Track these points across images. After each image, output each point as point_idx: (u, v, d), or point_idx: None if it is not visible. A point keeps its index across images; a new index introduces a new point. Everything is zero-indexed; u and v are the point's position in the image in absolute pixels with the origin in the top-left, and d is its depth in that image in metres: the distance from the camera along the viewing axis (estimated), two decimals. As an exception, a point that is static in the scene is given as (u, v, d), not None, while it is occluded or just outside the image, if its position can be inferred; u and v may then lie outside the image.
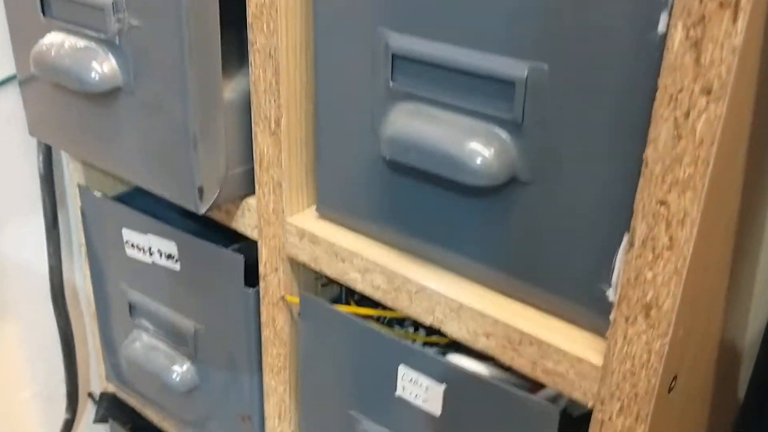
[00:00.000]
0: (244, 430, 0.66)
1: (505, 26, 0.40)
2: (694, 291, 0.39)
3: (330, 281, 0.60)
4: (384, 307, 0.54)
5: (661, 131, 0.35)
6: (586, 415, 0.45)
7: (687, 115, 0.34)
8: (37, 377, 0.82)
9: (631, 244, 0.38)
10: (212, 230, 0.64)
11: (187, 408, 0.71)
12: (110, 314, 0.75)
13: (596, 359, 0.41)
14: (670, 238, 0.37)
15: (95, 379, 0.86)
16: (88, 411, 0.86)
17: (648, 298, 0.38)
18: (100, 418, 0.83)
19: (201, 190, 0.53)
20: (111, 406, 0.83)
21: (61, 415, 0.82)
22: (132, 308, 0.71)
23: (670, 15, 0.34)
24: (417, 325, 0.59)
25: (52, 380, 0.82)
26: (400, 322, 0.59)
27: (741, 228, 0.45)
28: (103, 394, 0.83)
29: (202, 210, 0.54)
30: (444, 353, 0.51)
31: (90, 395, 0.86)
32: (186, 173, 0.53)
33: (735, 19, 0.32)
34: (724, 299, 0.47)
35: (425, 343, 0.57)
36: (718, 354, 0.50)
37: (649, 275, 0.38)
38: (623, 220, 0.39)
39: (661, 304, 0.38)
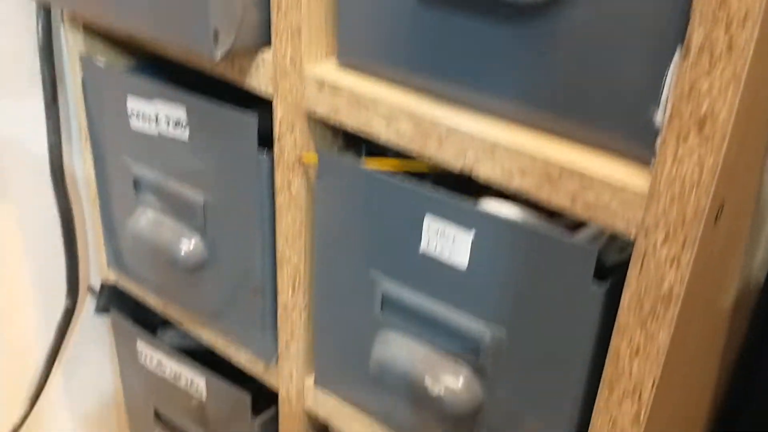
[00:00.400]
0: (254, 305, 0.64)
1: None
2: (751, 101, 0.37)
3: (348, 144, 0.57)
4: (406, 162, 0.52)
5: None
6: (619, 266, 0.44)
7: None
8: (37, 262, 0.79)
9: (687, 50, 0.36)
10: (222, 90, 0.61)
11: (195, 287, 0.69)
12: (112, 194, 0.72)
13: (641, 186, 0.40)
14: (730, 40, 0.34)
15: (95, 273, 0.84)
16: (88, 303, 0.84)
17: (703, 110, 0.36)
18: (101, 308, 0.82)
19: (216, 33, 0.50)
20: (112, 297, 0.81)
21: (60, 304, 0.80)
22: (137, 184, 0.68)
23: None
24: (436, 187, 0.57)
25: (51, 267, 0.80)
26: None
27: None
28: (103, 285, 0.81)
29: (218, 55, 0.51)
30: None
31: (90, 288, 0.84)
32: (201, 15, 0.50)
33: None
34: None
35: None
36: (758, 189, 0.49)
37: (705, 85, 0.36)
38: (673, 34, 0.37)
39: (716, 115, 0.36)
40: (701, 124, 0.37)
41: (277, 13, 0.51)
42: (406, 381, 0.53)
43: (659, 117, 0.39)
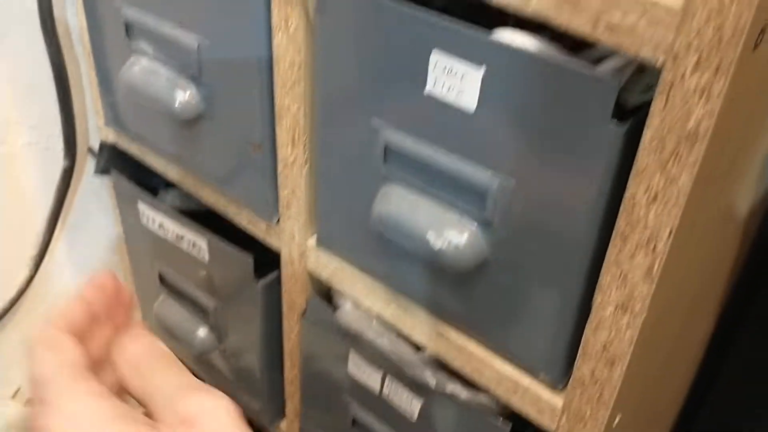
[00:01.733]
0: (254, 161, 0.61)
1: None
2: None
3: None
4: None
5: None
6: (642, 107, 0.39)
7: None
8: (31, 120, 0.76)
9: None
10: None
11: (193, 143, 0.66)
12: (106, 43, 0.68)
13: (676, 1, 0.35)
14: None
15: (94, 131, 0.81)
16: (90, 163, 0.82)
17: None
18: (101, 169, 0.79)
19: None
20: (112, 157, 0.78)
21: (59, 163, 0.78)
22: (129, 29, 0.64)
23: None
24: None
25: (48, 125, 0.77)
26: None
27: None
28: (102, 144, 0.78)
29: None
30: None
31: (89, 150, 0.81)
32: None
33: None
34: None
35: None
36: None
37: None
38: None
39: None
40: None
41: None
42: (408, 236, 0.50)
43: None
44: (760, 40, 0.36)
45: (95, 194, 0.86)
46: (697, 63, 0.35)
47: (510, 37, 0.43)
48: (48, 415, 0.32)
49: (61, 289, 0.88)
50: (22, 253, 0.82)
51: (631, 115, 0.41)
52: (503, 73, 0.43)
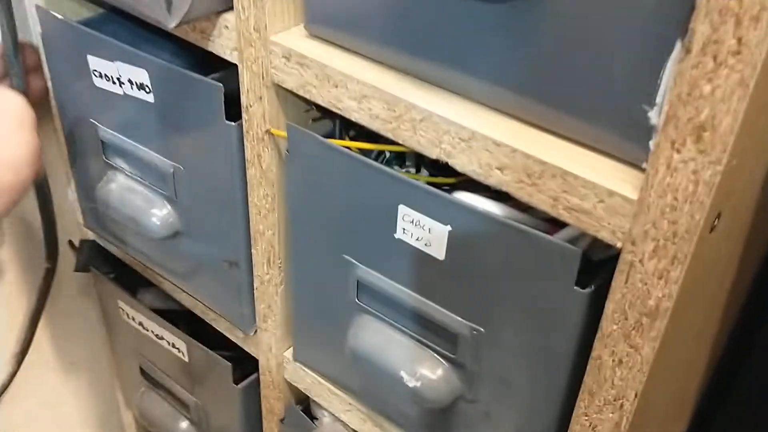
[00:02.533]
0: (230, 277, 0.62)
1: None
2: (757, 109, 0.33)
3: (322, 115, 0.53)
4: (382, 143, 0.48)
5: None
6: (607, 260, 0.40)
7: None
8: (14, 223, 0.77)
9: (687, 51, 0.31)
10: (194, 64, 0.57)
11: (170, 255, 0.66)
12: (83, 155, 0.68)
13: (631, 192, 0.36)
14: (739, 41, 0.30)
15: (75, 227, 0.81)
16: (70, 260, 0.82)
17: (702, 117, 0.32)
18: (80, 267, 0.79)
19: (169, 0, 0.45)
20: (92, 254, 0.79)
21: (41, 265, 0.78)
22: (105, 146, 0.64)
23: None
24: (419, 166, 0.53)
25: (30, 231, 0.77)
26: (401, 161, 0.53)
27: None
28: (83, 242, 0.79)
29: (172, 24, 0.46)
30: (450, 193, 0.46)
31: (70, 243, 0.81)
32: (150, -22, 0.44)
33: None
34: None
35: (428, 184, 0.51)
36: (760, 190, 0.45)
37: (707, 89, 0.31)
38: (675, 24, 0.32)
39: (717, 125, 0.32)
40: (700, 132, 0.32)
41: (238, -26, 0.46)
42: (381, 372, 0.51)
43: (654, 118, 0.34)
44: (716, 224, 0.37)
45: (80, 287, 0.86)
46: (655, 250, 0.36)
47: (475, 199, 0.44)
48: None
49: (46, 384, 0.88)
50: (4, 352, 0.82)
51: (599, 267, 0.41)
52: (469, 233, 0.44)
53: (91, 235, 0.78)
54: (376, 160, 0.51)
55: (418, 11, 0.41)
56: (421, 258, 0.47)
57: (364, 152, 0.50)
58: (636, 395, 0.41)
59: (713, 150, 0.32)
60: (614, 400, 0.42)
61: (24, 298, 0.80)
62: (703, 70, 0.31)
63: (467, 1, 0.39)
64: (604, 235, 0.37)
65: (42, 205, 0.73)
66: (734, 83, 0.30)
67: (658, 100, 0.34)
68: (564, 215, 0.38)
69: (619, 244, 0.37)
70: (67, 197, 0.77)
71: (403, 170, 0.52)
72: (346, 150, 0.48)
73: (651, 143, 0.34)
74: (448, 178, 0.48)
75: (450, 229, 0.44)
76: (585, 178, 0.37)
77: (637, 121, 0.35)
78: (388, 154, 0.53)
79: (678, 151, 0.33)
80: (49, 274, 0.78)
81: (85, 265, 0.79)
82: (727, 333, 0.61)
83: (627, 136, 0.36)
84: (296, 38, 0.47)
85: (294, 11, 0.47)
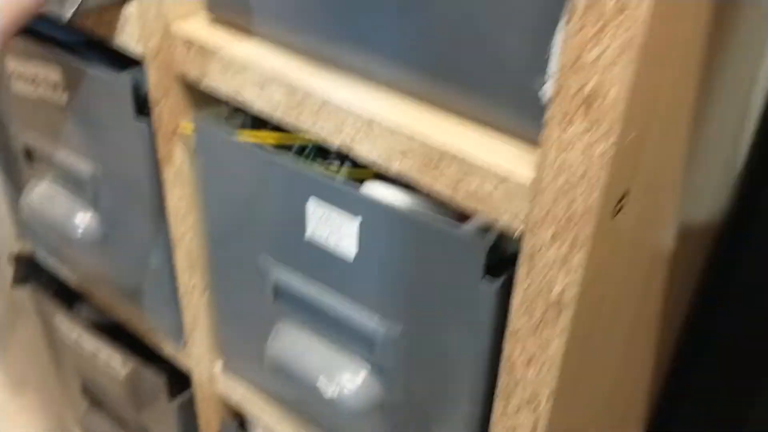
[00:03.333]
0: (156, 285, 0.59)
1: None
2: (651, 79, 0.30)
3: (236, 110, 0.50)
4: (290, 135, 0.45)
5: None
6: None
7: None
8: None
9: (571, 14, 0.29)
10: (95, 47, 0.54)
11: (99, 264, 0.64)
12: (9, 162, 0.66)
13: (527, 174, 0.33)
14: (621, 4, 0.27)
15: (13, 239, 0.79)
16: (7, 275, 0.79)
17: (590, 86, 0.29)
18: (18, 281, 0.77)
19: (61, -11, 0.43)
20: (30, 268, 0.76)
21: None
22: (28, 152, 0.62)
23: None
24: (343, 159, 0.50)
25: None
26: (324, 155, 0.51)
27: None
28: (19, 257, 0.76)
29: (67, 15, 0.44)
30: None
31: (9, 257, 0.79)
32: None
33: None
34: (693, 101, 0.38)
35: (352, 179, 0.48)
36: (683, 172, 0.42)
37: (591, 54, 0.29)
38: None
39: (605, 94, 0.29)
40: (588, 103, 0.30)
41: (136, -39, 0.44)
42: (301, 381, 0.48)
43: (547, 92, 0.32)
44: (622, 206, 0.34)
45: (22, 304, 0.83)
46: (554, 236, 0.33)
47: (382, 191, 0.41)
48: None
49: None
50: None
51: (511, 262, 0.39)
52: (378, 225, 0.41)
53: (29, 249, 0.76)
54: (300, 155, 0.49)
55: (315, -8, 0.39)
56: (334, 257, 0.44)
57: (285, 148, 0.47)
58: (550, 394, 0.38)
59: (603, 122, 0.30)
60: (529, 402, 0.39)
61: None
62: (587, 35, 0.29)
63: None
64: (505, 221, 0.35)
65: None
66: (620, 47, 0.28)
67: (550, 70, 0.32)
68: (465, 201, 0.36)
69: (519, 230, 0.35)
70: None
71: (327, 162, 0.50)
72: (253, 144, 0.45)
73: (544, 119, 0.32)
74: (370, 170, 0.45)
75: (359, 223, 0.42)
76: (482, 161, 0.35)
77: (531, 96, 0.33)
78: (309, 148, 0.50)
79: (569, 125, 0.31)
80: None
81: (22, 280, 0.76)
82: (676, 333, 0.59)
83: (524, 112, 0.34)
84: (199, 26, 0.45)
85: (196, -2, 0.45)
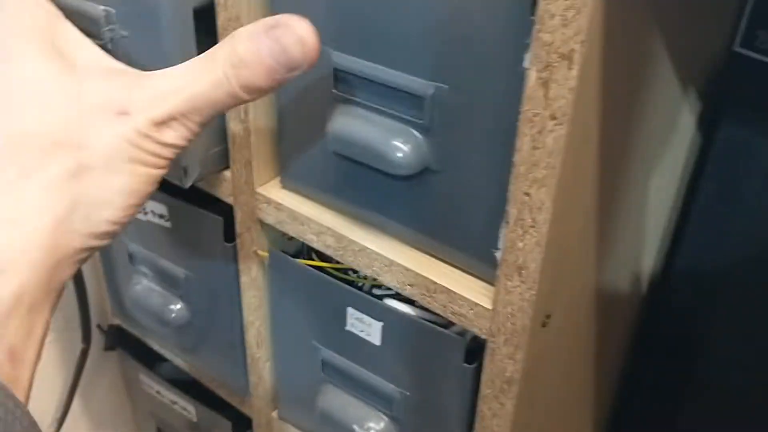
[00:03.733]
0: (230, 355, 0.81)
1: (418, 54, 0.52)
2: (556, 255, 0.52)
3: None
4: (337, 261, 0.67)
5: (523, 143, 0.48)
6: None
7: (540, 132, 0.47)
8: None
9: (507, 222, 0.51)
10: (196, 192, 0.76)
11: (183, 338, 0.86)
12: (113, 262, 0.88)
13: (488, 304, 0.55)
14: (533, 220, 0.50)
15: (101, 314, 1.01)
16: (99, 341, 1.01)
17: (519, 262, 0.52)
18: (108, 347, 0.98)
19: (185, 170, 0.65)
20: (117, 336, 0.97)
21: (78, 346, 0.97)
22: (131, 257, 0.84)
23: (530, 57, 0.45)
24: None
25: (67, 319, 0.97)
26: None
27: (603, 212, 0.58)
28: (110, 326, 0.98)
29: (187, 185, 0.66)
30: (386, 295, 0.65)
31: (98, 326, 1.00)
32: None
33: (570, 68, 0.44)
34: (594, 259, 0.60)
35: (374, 285, 0.70)
36: (597, 297, 0.64)
37: (520, 245, 0.51)
38: (503, 206, 0.52)
39: (528, 267, 0.51)
40: (519, 271, 0.52)
41: (233, 148, 0.66)
42: (341, 429, 0.70)
43: (498, 256, 0.54)
44: (548, 321, 0.56)
45: (106, 361, 1.04)
46: (505, 341, 0.55)
47: (397, 305, 0.63)
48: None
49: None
50: (48, 414, 1.01)
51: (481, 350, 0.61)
52: (395, 326, 0.63)
53: (116, 322, 0.97)
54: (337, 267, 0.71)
55: (353, 177, 0.61)
56: (365, 344, 0.66)
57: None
58: (508, 438, 0.60)
59: (528, 281, 0.52)
60: (496, 442, 0.61)
61: (63, 372, 0.99)
62: (517, 234, 0.51)
63: (381, 175, 0.59)
64: (476, 331, 0.57)
65: (79, 296, 0.92)
66: (534, 243, 0.50)
67: (500, 247, 0.54)
68: (451, 317, 0.58)
69: (484, 337, 0.57)
70: (94, 288, 0.96)
71: (356, 273, 0.72)
72: (309, 266, 0.67)
73: (497, 273, 0.54)
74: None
75: (382, 324, 0.64)
76: (461, 293, 0.57)
77: (491, 257, 0.55)
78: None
79: (509, 280, 0.53)
80: (84, 353, 0.97)
81: (111, 346, 0.98)
82: (610, 377, 0.80)
83: (487, 265, 0.56)
84: (274, 189, 0.67)
85: (273, 170, 0.68)
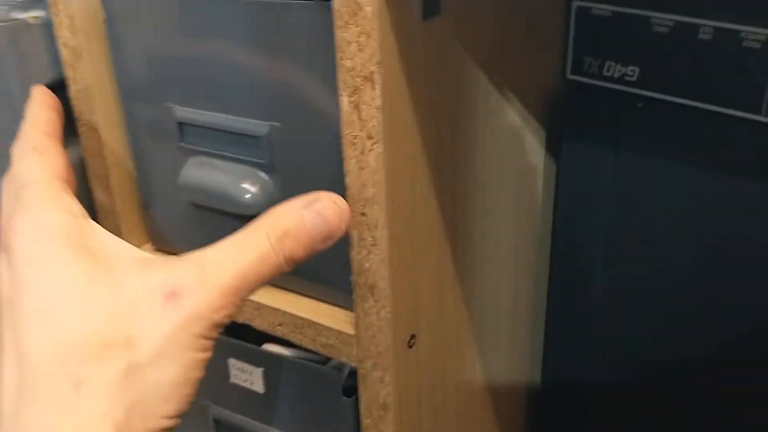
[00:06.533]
0: None
1: (249, 98, 0.54)
2: (407, 273, 0.54)
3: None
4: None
5: (350, 165, 0.50)
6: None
7: (363, 153, 0.49)
8: None
9: (351, 245, 0.53)
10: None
11: None
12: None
13: (351, 330, 0.56)
14: (373, 238, 0.51)
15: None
16: None
17: (370, 282, 0.53)
18: None
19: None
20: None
21: None
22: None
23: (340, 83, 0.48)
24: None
25: None
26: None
27: (451, 228, 0.60)
28: None
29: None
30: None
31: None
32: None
33: (374, 88, 0.47)
34: (454, 277, 0.62)
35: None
36: (470, 314, 0.66)
37: (366, 265, 0.53)
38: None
39: (378, 285, 0.53)
40: (372, 291, 0.53)
41: (99, 217, 0.67)
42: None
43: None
44: (414, 342, 0.57)
45: None
46: (373, 365, 0.56)
47: (274, 348, 0.64)
48: (19, 216, 0.33)
49: None
50: None
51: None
52: (275, 369, 0.63)
53: None
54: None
55: (212, 225, 0.62)
56: (250, 393, 0.66)
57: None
58: (394, 465, 0.59)
59: (381, 300, 0.53)
60: (385, 473, 0.60)
61: None
62: (362, 254, 0.53)
63: (238, 220, 0.60)
64: (345, 359, 0.57)
65: None
66: (378, 261, 0.52)
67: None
68: (321, 349, 0.59)
69: (354, 364, 0.57)
70: None
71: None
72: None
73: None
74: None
75: (263, 369, 0.64)
76: (326, 324, 0.57)
77: (349, 285, 0.56)
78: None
79: (365, 302, 0.54)
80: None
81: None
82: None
83: (347, 294, 0.57)
84: (148, 251, 0.68)
85: (144, 235, 0.68)
